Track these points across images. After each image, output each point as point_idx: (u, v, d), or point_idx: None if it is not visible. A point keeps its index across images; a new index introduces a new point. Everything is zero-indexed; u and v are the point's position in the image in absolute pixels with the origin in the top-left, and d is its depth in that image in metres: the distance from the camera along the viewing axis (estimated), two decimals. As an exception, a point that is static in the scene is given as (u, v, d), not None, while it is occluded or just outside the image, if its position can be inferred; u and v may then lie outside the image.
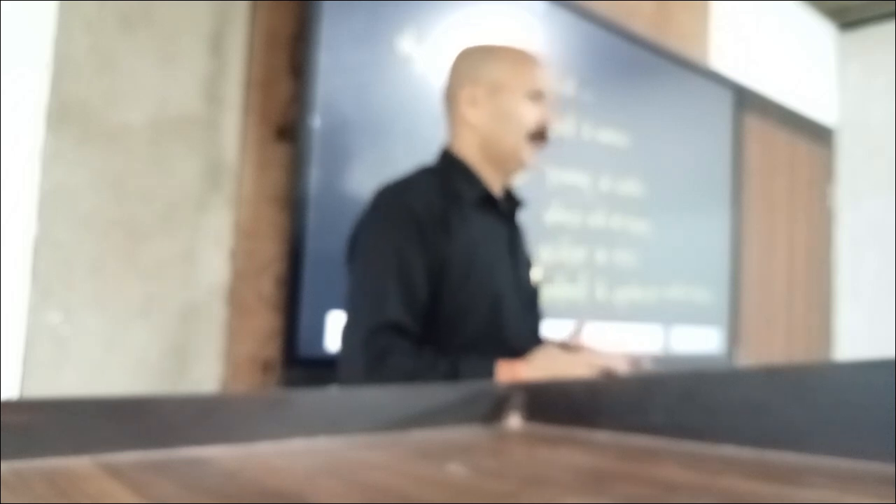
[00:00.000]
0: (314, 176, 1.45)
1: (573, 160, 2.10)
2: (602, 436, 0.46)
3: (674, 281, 2.49)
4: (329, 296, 1.46)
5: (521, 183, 1.78)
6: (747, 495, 0.31)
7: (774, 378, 0.39)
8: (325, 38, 1.46)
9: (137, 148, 1.31)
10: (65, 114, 1.22)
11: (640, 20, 2.40)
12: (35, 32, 1.19)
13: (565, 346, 1.09)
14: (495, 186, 1.17)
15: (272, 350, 1.45)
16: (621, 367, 1.03)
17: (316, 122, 1.45)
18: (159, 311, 1.32)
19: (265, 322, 1.45)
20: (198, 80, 1.39)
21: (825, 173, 3.38)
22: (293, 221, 1.44)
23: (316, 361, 1.45)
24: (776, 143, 3.08)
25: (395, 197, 1.08)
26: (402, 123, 1.60)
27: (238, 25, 1.44)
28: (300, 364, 1.42)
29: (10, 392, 1.14)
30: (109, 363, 1.26)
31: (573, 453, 0.42)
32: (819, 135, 3.33)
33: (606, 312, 2.20)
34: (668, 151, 2.48)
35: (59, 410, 0.38)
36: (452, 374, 0.97)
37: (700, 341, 2.60)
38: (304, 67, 1.45)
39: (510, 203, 1.20)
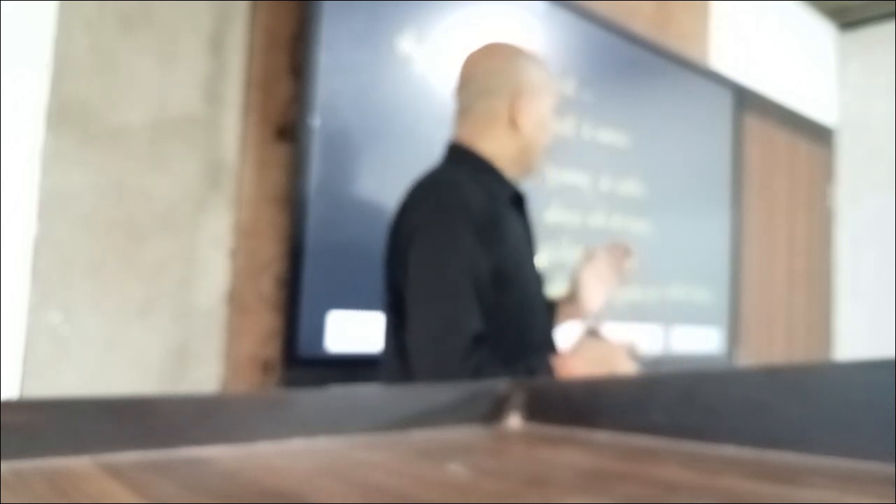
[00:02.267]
0: (314, 176, 1.45)
1: (573, 160, 2.10)
2: (602, 436, 0.46)
3: (674, 281, 2.49)
4: (329, 296, 1.46)
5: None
6: (747, 495, 0.31)
7: (774, 378, 0.39)
8: (325, 38, 1.46)
9: (137, 148, 1.31)
10: (65, 114, 1.22)
11: (640, 20, 2.40)
12: (35, 32, 1.19)
13: (596, 336, 1.14)
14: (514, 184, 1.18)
15: (272, 350, 1.45)
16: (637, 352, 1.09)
17: (316, 122, 1.45)
18: (159, 311, 1.32)
19: (265, 322, 1.45)
20: (198, 80, 1.39)
21: (825, 173, 3.38)
22: (293, 221, 1.44)
23: (316, 361, 1.45)
24: (776, 143, 3.08)
25: (451, 197, 1.04)
26: (402, 123, 1.60)
27: (238, 25, 1.44)
28: (300, 364, 1.42)
29: (10, 392, 1.14)
30: (109, 363, 1.26)
31: (573, 453, 0.42)
32: (819, 135, 3.33)
33: (606, 312, 2.20)
34: (668, 151, 2.48)
35: (59, 410, 0.38)
36: (531, 376, 0.99)
37: (700, 341, 2.59)
38: (304, 67, 1.45)
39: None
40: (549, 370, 1.01)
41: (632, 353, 1.07)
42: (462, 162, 1.13)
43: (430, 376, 0.98)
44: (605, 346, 1.07)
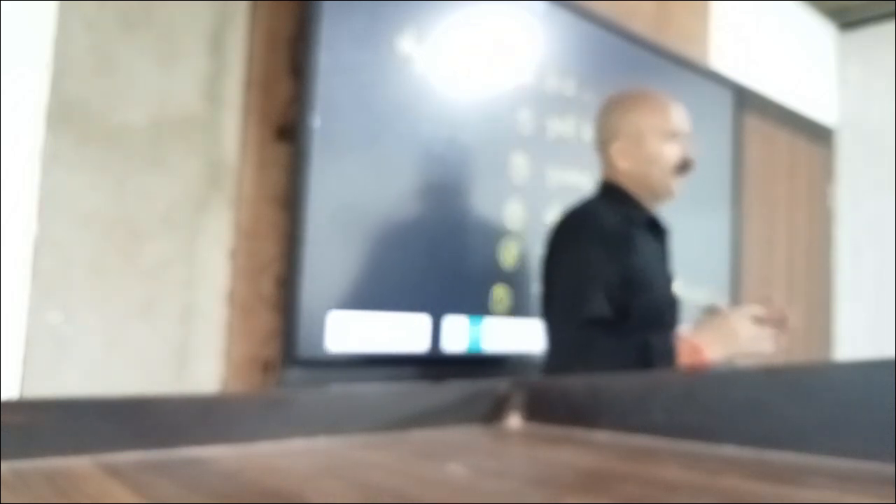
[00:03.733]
0: (314, 176, 1.44)
1: (573, 160, 2.10)
2: (602, 436, 0.46)
3: (673, 281, 2.48)
4: (329, 296, 1.46)
5: (520, 182, 1.78)
6: (747, 495, 0.31)
7: (774, 378, 0.39)
8: (325, 38, 1.46)
9: (137, 148, 1.31)
10: (65, 114, 1.22)
11: (640, 20, 2.40)
12: (35, 32, 1.19)
13: (715, 313, 1.25)
14: (651, 211, 1.40)
15: (272, 350, 1.45)
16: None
17: (316, 122, 1.45)
18: (159, 311, 1.32)
19: (265, 322, 1.45)
20: (198, 80, 1.39)
21: (825, 173, 3.38)
22: (293, 221, 1.44)
23: (316, 361, 1.45)
24: (776, 143, 3.08)
25: (584, 219, 1.32)
26: (402, 123, 1.60)
27: (238, 25, 1.44)
28: (300, 364, 1.42)
29: (10, 392, 1.14)
30: (109, 363, 1.26)
31: (573, 453, 0.42)
32: (819, 135, 3.33)
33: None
34: (668, 151, 2.47)
35: (59, 410, 0.38)
36: (645, 348, 1.15)
37: (700, 341, 2.59)
38: (304, 67, 1.45)
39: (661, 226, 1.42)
40: (669, 347, 1.15)
41: (755, 319, 1.15)
42: (605, 194, 1.40)
43: (567, 353, 1.23)
44: (724, 320, 1.20)
